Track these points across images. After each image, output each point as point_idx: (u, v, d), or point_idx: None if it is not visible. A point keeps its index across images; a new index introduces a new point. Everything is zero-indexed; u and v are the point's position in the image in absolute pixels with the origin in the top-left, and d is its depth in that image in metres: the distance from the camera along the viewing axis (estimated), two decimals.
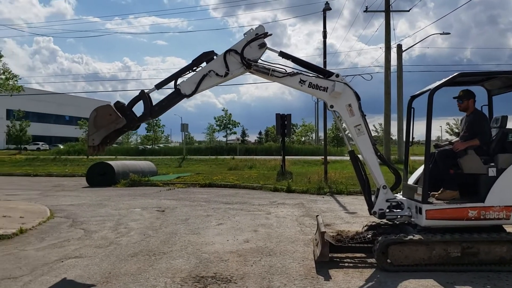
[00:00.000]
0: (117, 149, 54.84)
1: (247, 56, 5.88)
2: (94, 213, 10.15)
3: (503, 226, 5.75)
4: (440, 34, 31.31)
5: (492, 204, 5.39)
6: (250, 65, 5.89)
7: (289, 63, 6.17)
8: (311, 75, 6.02)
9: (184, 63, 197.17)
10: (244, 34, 5.96)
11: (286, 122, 19.13)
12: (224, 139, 67.77)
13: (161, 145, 62.71)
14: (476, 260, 5.33)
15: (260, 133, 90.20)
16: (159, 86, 5.96)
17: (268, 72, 5.96)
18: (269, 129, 76.84)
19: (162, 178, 18.90)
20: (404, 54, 30.89)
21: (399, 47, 30.65)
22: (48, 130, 75.42)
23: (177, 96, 5.92)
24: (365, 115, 6.01)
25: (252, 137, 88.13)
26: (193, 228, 8.19)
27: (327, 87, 5.89)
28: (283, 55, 6.13)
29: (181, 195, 13.75)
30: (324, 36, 16.96)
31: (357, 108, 5.91)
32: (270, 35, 5.95)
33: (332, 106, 5.98)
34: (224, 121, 63.88)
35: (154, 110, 5.91)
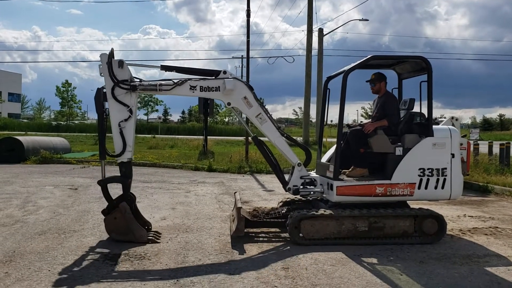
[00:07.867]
0: (28, 124, 51.43)
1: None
2: None
3: (407, 202, 6.14)
4: (360, 20, 32.41)
5: (398, 182, 5.71)
6: (135, 87, 5.67)
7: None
8: (200, 79, 5.91)
9: (101, 35, 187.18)
10: (100, 74, 5.63)
11: (209, 102, 18.94)
12: (145, 118, 66.04)
13: (76, 122, 59.69)
14: (381, 234, 5.65)
15: (183, 112, 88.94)
16: (101, 157, 6.26)
17: (156, 88, 5.82)
18: (192, 108, 75.87)
19: (76, 155, 18.02)
20: (326, 37, 31.83)
21: (320, 31, 31.36)
22: None
23: (125, 166, 6.19)
24: (262, 103, 6.10)
25: (175, 116, 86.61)
26: None
27: (219, 86, 5.83)
28: (165, 68, 6.04)
29: (96, 173, 13.16)
30: (248, 15, 16.91)
31: (252, 98, 5.94)
32: (113, 49, 5.68)
33: (229, 104, 5.95)
34: (145, 98, 62.06)
35: (123, 173, 6.19)
